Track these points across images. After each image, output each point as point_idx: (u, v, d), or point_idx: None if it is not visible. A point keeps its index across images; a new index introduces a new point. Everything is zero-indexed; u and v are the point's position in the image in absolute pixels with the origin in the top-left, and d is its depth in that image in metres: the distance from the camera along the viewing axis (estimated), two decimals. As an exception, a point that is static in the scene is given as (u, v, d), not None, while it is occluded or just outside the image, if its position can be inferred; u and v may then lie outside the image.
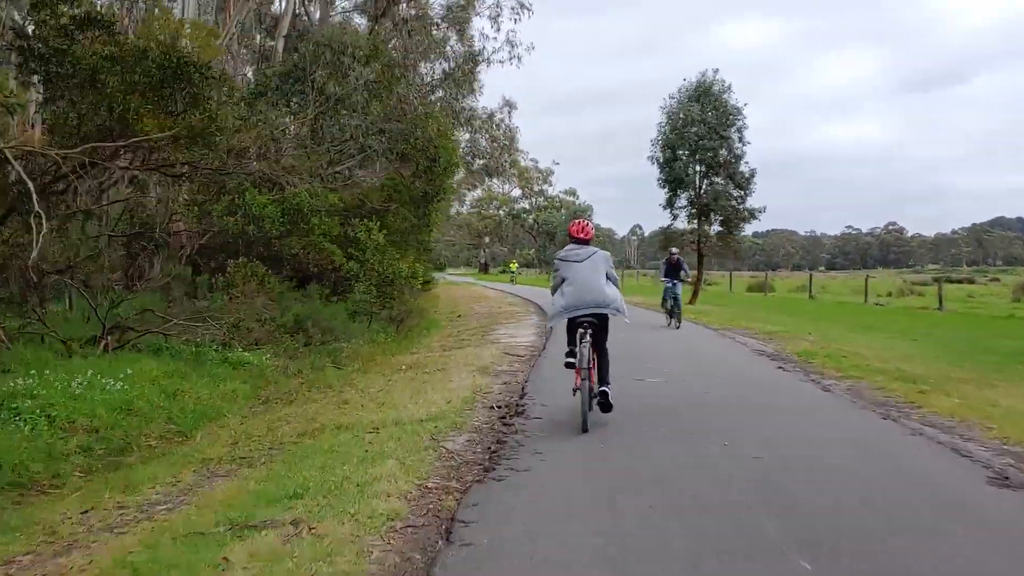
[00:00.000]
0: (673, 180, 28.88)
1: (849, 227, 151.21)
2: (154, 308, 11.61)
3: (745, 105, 28.67)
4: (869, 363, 11.59)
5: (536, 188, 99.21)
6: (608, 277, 7.01)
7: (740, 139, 28.69)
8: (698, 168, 28.91)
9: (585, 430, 6.56)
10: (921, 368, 11.44)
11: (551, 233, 68.22)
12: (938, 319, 23.17)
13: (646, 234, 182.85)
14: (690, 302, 29.34)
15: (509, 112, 32.29)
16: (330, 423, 7.41)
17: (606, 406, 6.87)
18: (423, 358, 12.68)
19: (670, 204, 29.45)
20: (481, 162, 28.55)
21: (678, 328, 16.84)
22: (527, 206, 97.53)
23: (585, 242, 7.13)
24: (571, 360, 7.00)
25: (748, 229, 31.61)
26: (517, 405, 8.09)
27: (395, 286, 16.32)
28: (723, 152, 28.54)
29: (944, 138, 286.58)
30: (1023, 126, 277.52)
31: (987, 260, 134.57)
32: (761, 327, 17.84)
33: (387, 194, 21.08)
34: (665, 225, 29.95)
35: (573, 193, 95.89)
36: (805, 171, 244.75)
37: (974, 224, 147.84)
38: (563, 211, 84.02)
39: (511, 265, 61.98)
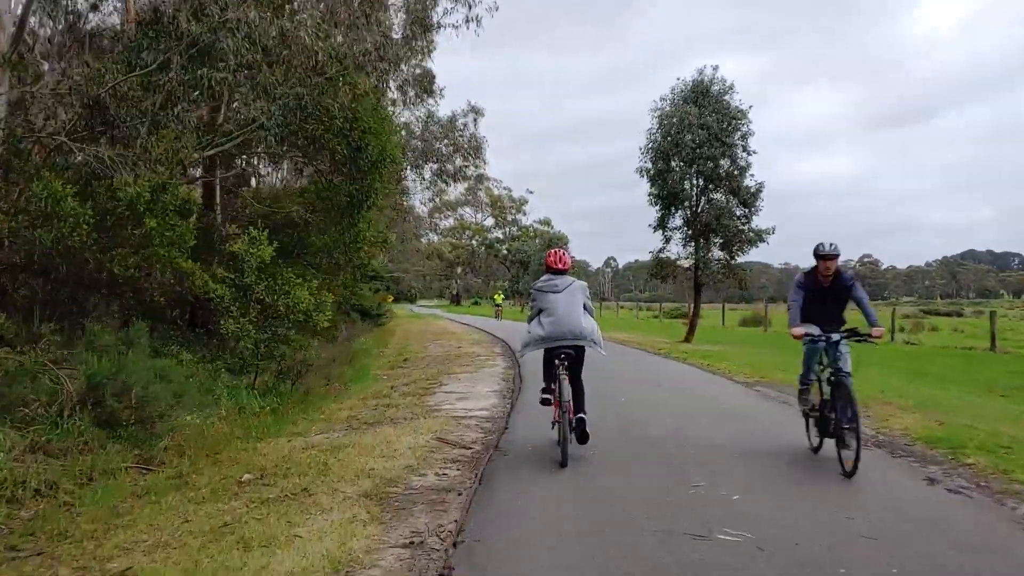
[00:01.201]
0: (666, 196, 23.89)
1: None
2: None
3: (750, 108, 23.89)
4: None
5: (509, 217, 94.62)
6: (585, 308, 6.75)
7: (744, 147, 23.87)
8: (696, 181, 23.98)
9: (564, 464, 6.26)
10: None
11: (525, 263, 63.25)
12: (1007, 364, 18.24)
13: (620, 266, 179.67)
14: (686, 339, 24.32)
15: (475, 120, 27.32)
16: None
17: (583, 436, 6.57)
18: (298, 450, 7.32)
19: (662, 224, 24.45)
20: (435, 166, 23.35)
21: (849, 474, 5.98)
22: (500, 235, 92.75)
23: (562, 272, 6.86)
24: (547, 397, 6.93)
25: (753, 254, 26.79)
26: None
27: (291, 323, 10.93)
28: (725, 162, 23.68)
29: (914, 173, 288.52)
30: (990, 161, 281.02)
31: (960, 292, 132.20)
32: (807, 380, 12.71)
33: (309, 202, 15.83)
34: (656, 249, 24.91)
35: (548, 223, 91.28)
36: (777, 205, 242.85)
37: (945, 257, 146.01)
38: (537, 240, 79.30)
39: (496, 297, 47.44)
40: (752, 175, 23.82)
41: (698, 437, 7.80)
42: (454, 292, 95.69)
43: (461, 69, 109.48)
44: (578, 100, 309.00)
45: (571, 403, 6.51)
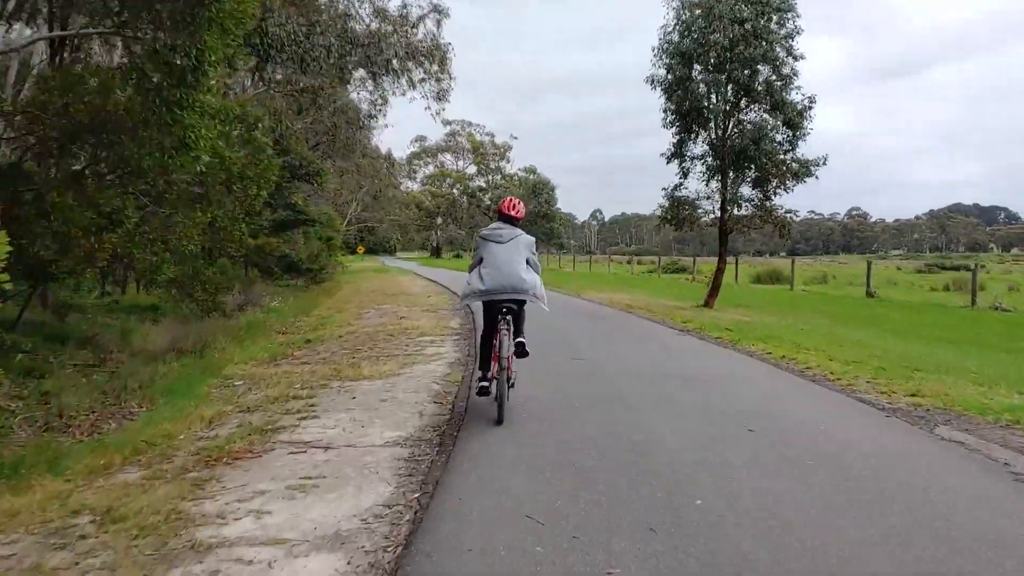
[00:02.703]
0: (687, 112, 17.41)
1: (812, 212, 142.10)
2: None
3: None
4: None
5: (492, 165, 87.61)
6: (528, 262, 6.24)
7: (789, 51, 17.36)
8: (726, 93, 17.48)
9: (500, 422, 5.69)
10: None
11: (507, 211, 56.47)
12: None
13: (607, 219, 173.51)
14: (707, 303, 18.17)
15: (438, 21, 20.45)
16: None
17: (522, 352, 6.12)
18: None
19: (679, 152, 18.02)
20: (360, 52, 16.33)
21: None
22: (483, 184, 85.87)
23: (513, 221, 6.43)
24: (485, 384, 6.05)
25: (797, 194, 19.38)
26: None
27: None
28: (764, 69, 17.21)
29: (903, 128, 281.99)
30: (978, 117, 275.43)
31: (950, 246, 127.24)
32: (952, 391, 6.61)
33: (127, 93, 9.32)
34: (670, 185, 18.47)
35: (532, 171, 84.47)
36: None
37: (932, 211, 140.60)
38: (521, 188, 72.56)
39: None
40: (799, 87, 17.38)
41: None
42: (434, 244, 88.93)
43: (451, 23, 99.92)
44: (569, 53, 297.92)
45: (510, 359, 5.97)
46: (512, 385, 6.14)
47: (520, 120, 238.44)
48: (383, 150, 57.76)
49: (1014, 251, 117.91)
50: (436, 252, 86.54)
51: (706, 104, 17.37)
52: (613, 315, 15.54)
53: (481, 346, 6.31)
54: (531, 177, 78.32)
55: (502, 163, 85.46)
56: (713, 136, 17.68)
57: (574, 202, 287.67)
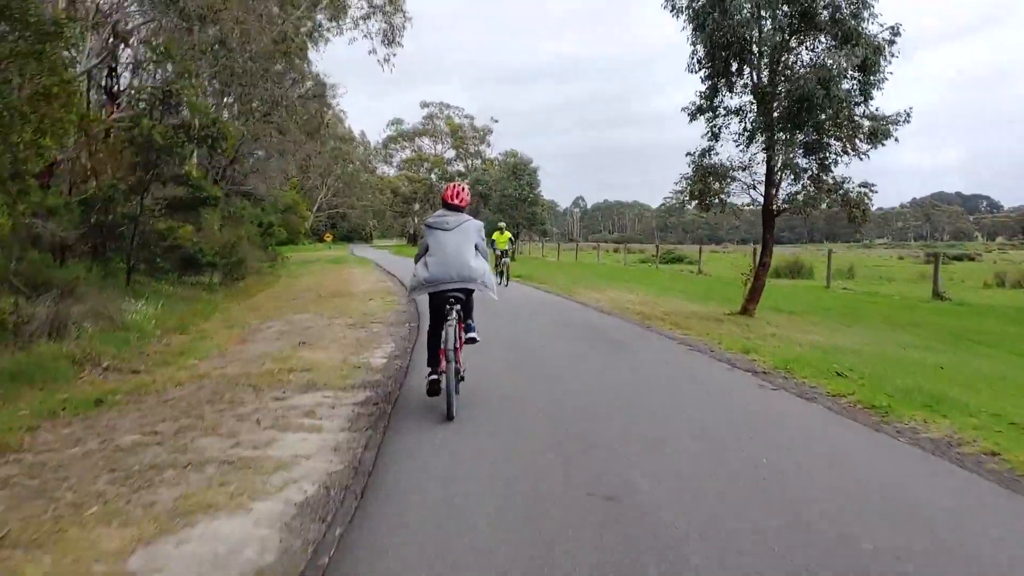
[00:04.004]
0: (725, 45, 12.29)
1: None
2: None
3: None
4: None
5: (472, 149, 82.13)
6: (477, 248, 5.80)
7: (860, -31, 12.25)
8: (776, 20, 12.34)
9: (451, 417, 5.28)
10: None
11: (485, 195, 51.21)
12: None
13: (589, 206, 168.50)
14: (745, 308, 13.23)
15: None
16: None
17: (472, 340, 5.88)
18: None
19: (709, 104, 12.95)
20: None
21: None
22: (462, 168, 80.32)
23: (458, 209, 5.94)
24: (435, 379, 5.54)
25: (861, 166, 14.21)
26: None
27: None
28: (830, -11, 12.12)
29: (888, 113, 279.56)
30: (961, 104, 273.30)
31: (934, 235, 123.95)
32: None
33: None
34: (696, 150, 13.35)
35: (514, 154, 79.04)
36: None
37: (915, 199, 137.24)
38: (502, 172, 67.21)
39: (498, 238, 18.77)
40: (877, 16, 12.28)
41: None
42: (410, 231, 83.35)
43: (433, 5, 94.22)
44: (550, 38, 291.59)
45: (457, 352, 5.49)
46: (462, 379, 5.69)
47: (501, 107, 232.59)
48: (355, 133, 52.03)
49: (999, 240, 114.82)
50: (412, 239, 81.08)
51: (753, 35, 12.26)
52: (627, 332, 10.46)
53: (429, 341, 5.80)
54: (511, 160, 73.09)
55: (482, 147, 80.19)
56: (757, 80, 12.60)
57: (557, 188, 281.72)
